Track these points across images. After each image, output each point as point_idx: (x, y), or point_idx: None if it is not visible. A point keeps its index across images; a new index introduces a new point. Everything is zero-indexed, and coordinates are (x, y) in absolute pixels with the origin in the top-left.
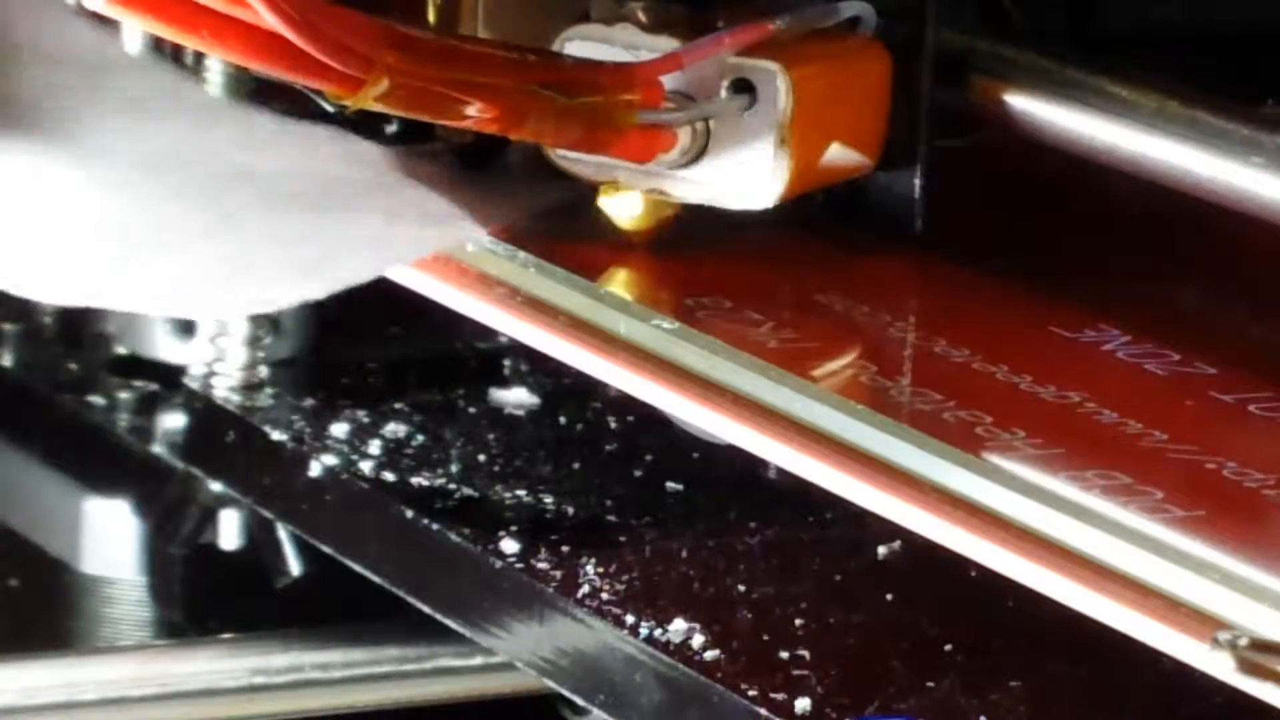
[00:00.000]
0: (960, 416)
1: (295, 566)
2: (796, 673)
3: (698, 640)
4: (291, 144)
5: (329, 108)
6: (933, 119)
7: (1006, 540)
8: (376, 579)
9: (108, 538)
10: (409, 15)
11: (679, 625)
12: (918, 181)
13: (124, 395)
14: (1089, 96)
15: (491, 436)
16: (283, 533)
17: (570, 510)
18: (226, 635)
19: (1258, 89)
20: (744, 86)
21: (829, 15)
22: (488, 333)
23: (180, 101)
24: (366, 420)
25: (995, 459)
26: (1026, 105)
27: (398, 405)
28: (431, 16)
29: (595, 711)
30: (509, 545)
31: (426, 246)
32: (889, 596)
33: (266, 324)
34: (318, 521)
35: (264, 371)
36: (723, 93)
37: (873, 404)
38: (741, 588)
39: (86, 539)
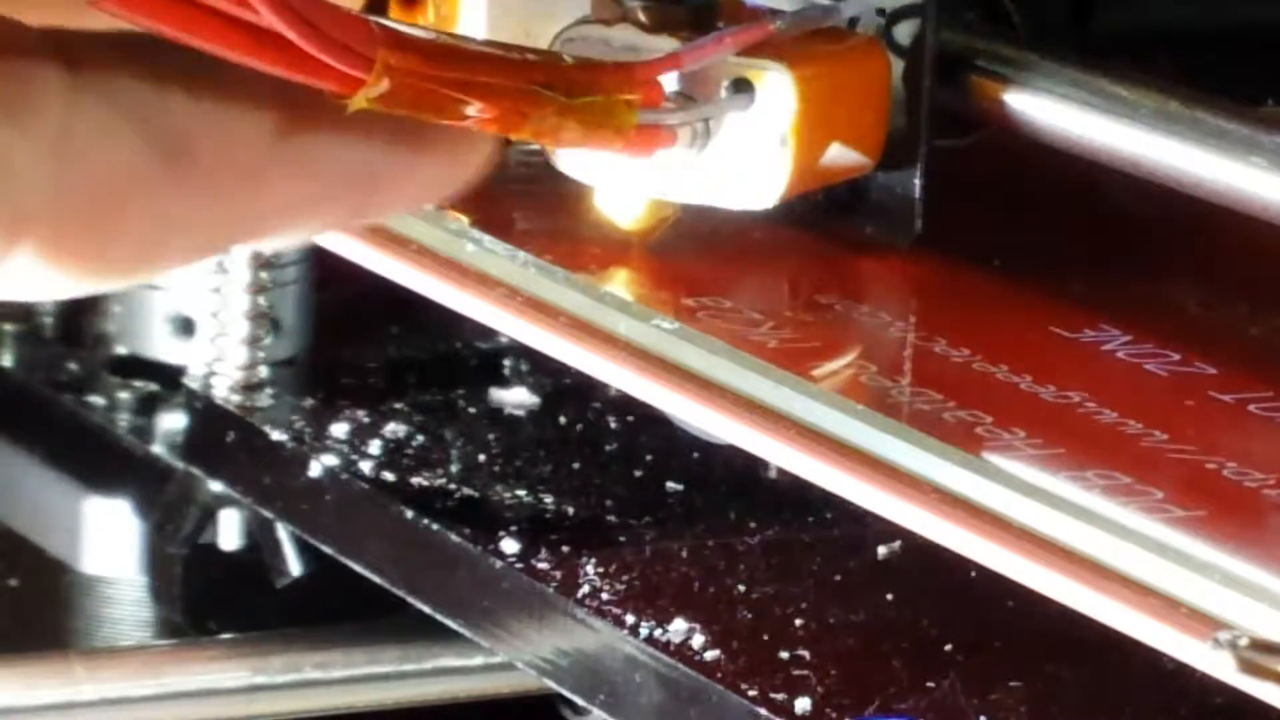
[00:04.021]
0: (960, 416)
1: (295, 566)
2: (796, 673)
3: (698, 640)
4: None
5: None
6: (933, 119)
7: (1006, 540)
8: (376, 579)
9: (108, 538)
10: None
11: (679, 625)
12: (918, 181)
13: (124, 395)
14: (1089, 96)
15: (491, 436)
16: (283, 533)
17: (570, 510)
18: (226, 635)
19: (1258, 89)
20: (744, 86)
21: (829, 15)
22: (488, 333)
23: None
24: (366, 420)
25: (995, 459)
26: (1026, 105)
27: (398, 405)
28: (431, 16)
29: (595, 711)
30: (509, 545)
31: None
32: (889, 596)
33: (266, 324)
34: (318, 521)
35: (264, 371)
36: (723, 93)
37: (873, 404)
38: (741, 588)
39: (86, 539)
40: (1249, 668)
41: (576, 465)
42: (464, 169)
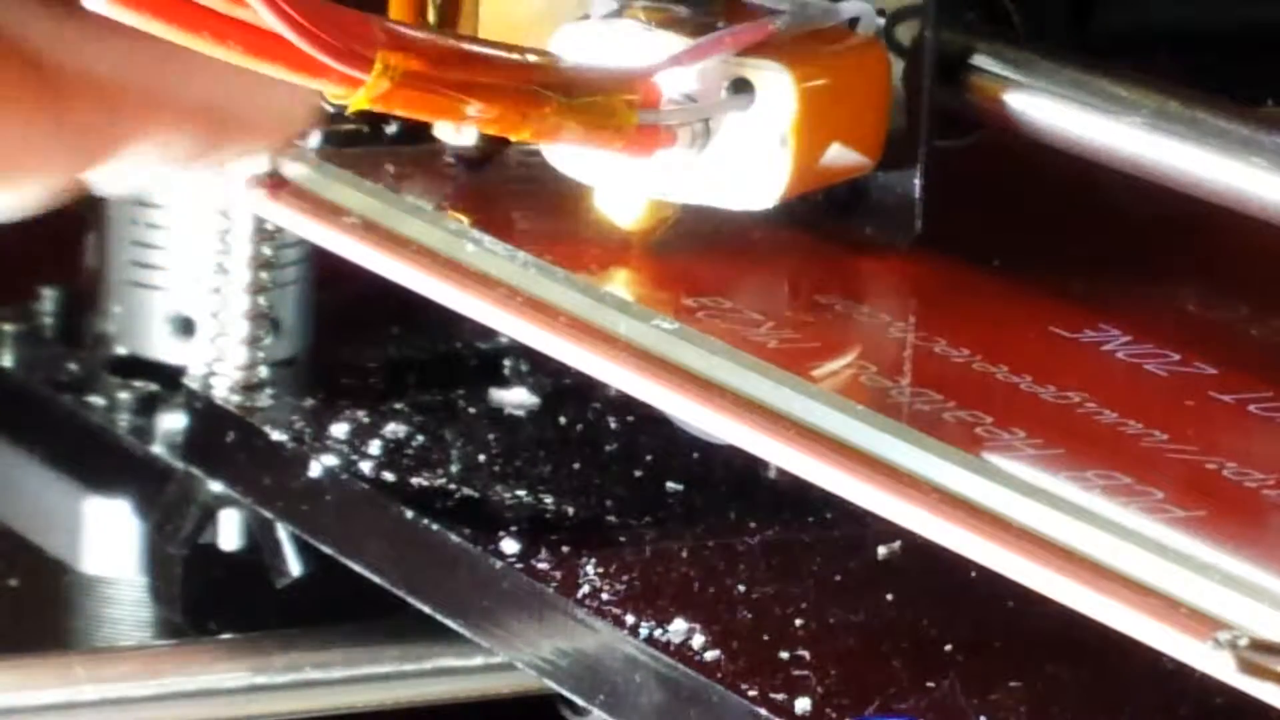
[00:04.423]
0: (960, 416)
1: (295, 566)
2: (796, 673)
3: (698, 640)
4: None
5: (329, 108)
6: (933, 119)
7: (1006, 540)
8: (376, 579)
9: (108, 538)
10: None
11: (679, 625)
12: (918, 181)
13: (124, 395)
14: (1089, 96)
15: (491, 436)
16: (283, 533)
17: (570, 510)
18: (226, 635)
19: (1258, 89)
20: (744, 86)
21: (829, 15)
22: (488, 333)
23: None
24: (366, 420)
25: (995, 459)
26: (1026, 105)
27: (398, 405)
28: (431, 16)
29: (595, 711)
30: (509, 545)
31: None
32: (889, 596)
33: (266, 324)
34: (318, 521)
35: (264, 371)
36: (723, 93)
37: (873, 404)
38: (741, 588)
39: (86, 539)
40: (1249, 668)
41: (576, 465)
42: (298, 113)
